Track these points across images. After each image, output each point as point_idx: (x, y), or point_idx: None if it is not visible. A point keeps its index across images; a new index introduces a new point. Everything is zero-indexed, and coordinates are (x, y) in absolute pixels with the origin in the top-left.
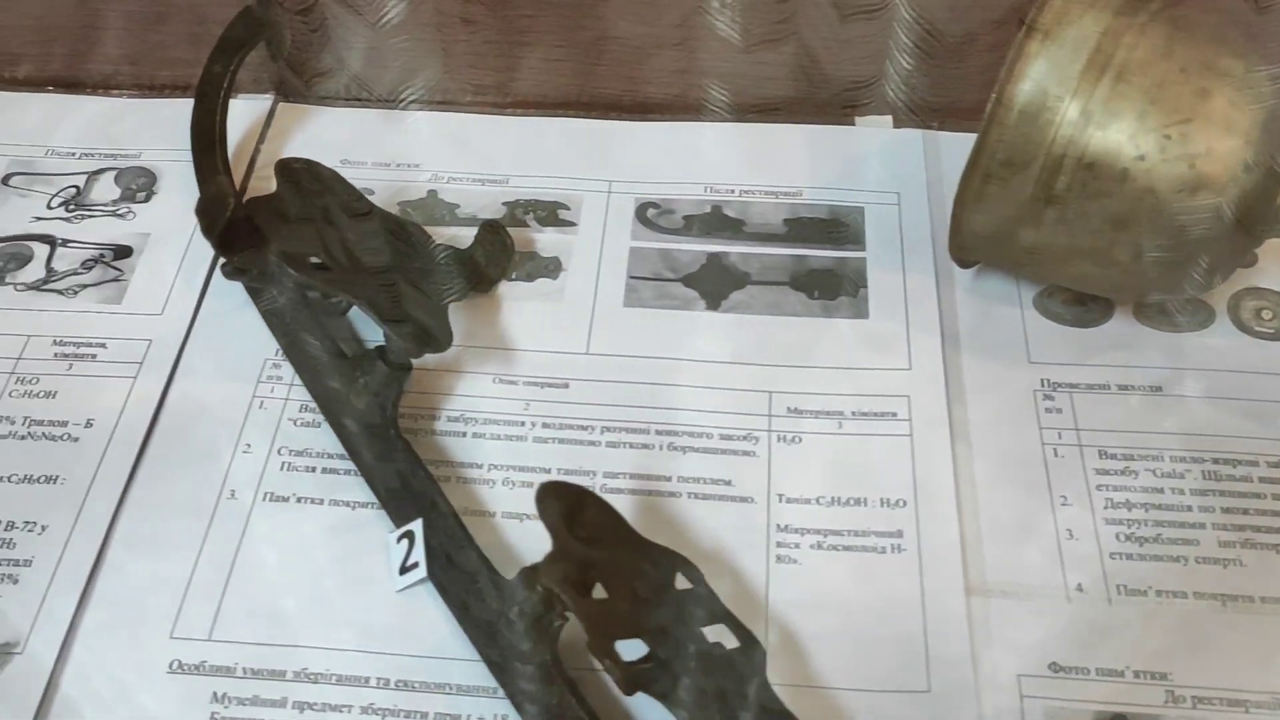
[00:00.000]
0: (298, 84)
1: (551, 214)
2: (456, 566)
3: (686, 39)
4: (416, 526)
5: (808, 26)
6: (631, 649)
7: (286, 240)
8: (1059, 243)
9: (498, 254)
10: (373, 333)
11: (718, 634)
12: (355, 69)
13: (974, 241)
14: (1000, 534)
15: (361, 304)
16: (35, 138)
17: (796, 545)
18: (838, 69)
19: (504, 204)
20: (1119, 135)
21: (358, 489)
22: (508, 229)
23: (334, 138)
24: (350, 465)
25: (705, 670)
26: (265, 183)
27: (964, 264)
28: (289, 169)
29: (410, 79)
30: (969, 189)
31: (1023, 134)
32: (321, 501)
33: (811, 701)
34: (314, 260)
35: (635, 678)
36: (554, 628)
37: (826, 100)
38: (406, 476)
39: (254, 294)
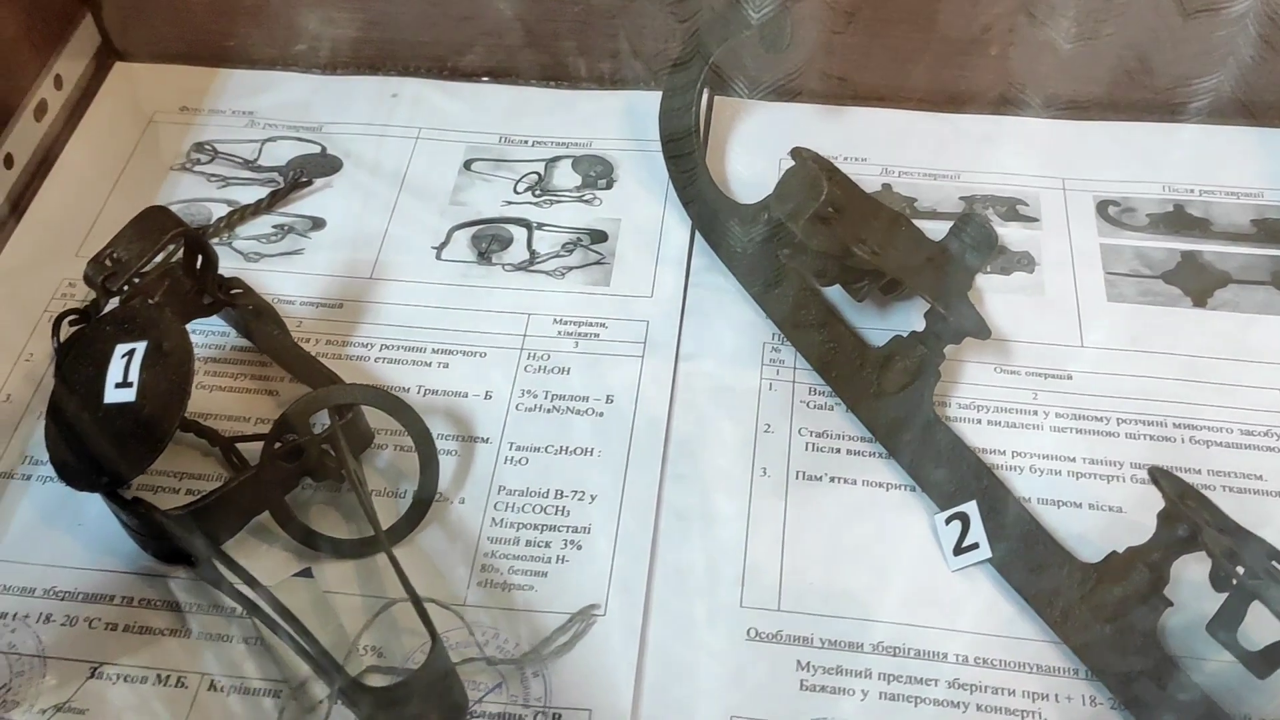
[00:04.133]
0: (736, 78)
1: (1011, 209)
2: (1024, 549)
3: (1004, 34)
4: (970, 509)
5: (1139, 24)
6: None
7: (827, 229)
8: None
9: (978, 246)
10: (865, 320)
11: None
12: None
13: None
14: None
15: (921, 290)
16: (488, 125)
17: None
18: (1168, 66)
19: (961, 199)
20: None
21: (885, 470)
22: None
23: (774, 131)
24: (874, 448)
25: None
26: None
27: None
28: (800, 159)
29: (807, 73)
30: None
31: None
32: (854, 482)
33: None
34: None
35: None
36: (1159, 609)
37: (1147, 98)
38: (951, 460)
39: (746, 279)
